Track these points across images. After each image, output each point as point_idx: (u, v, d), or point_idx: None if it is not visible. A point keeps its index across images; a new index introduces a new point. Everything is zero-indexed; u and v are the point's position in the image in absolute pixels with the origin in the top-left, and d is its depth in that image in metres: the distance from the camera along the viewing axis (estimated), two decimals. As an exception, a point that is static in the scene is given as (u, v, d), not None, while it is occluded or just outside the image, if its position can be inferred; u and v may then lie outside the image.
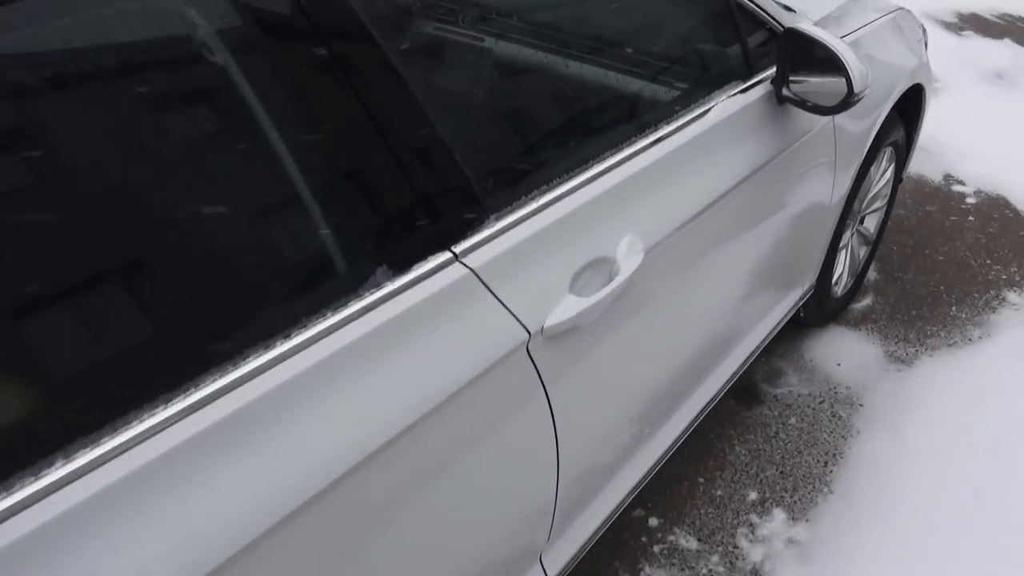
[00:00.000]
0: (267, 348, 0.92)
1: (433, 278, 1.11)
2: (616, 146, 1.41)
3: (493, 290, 1.17)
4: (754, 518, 2.18)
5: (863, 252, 2.89)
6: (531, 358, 1.23)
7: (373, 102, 1.08)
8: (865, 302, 3.00)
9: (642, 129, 1.47)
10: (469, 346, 1.13)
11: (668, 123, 1.53)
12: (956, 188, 3.81)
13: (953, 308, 2.98)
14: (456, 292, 1.13)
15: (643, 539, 2.14)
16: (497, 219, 1.20)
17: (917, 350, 2.76)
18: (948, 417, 2.44)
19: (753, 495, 2.25)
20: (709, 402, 2.00)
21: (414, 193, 1.11)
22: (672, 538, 2.14)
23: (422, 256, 1.11)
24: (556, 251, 1.27)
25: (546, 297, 1.24)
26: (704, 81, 1.68)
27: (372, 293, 1.04)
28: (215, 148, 0.97)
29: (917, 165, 3.87)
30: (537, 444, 1.31)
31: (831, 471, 2.31)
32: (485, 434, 1.18)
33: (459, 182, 1.17)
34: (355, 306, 1.02)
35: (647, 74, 1.59)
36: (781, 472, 2.32)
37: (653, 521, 2.18)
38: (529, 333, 1.20)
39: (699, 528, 2.17)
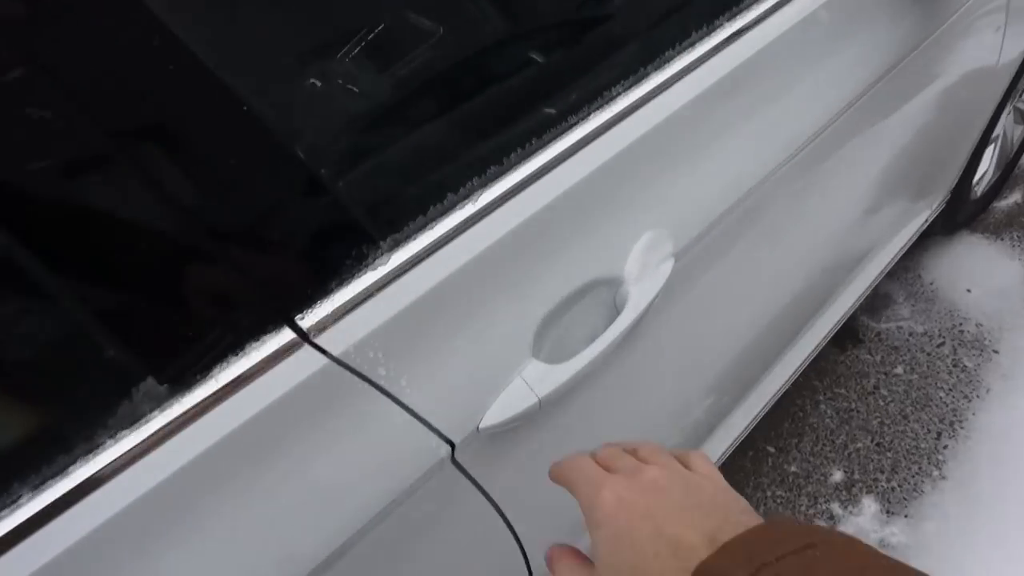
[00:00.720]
0: None
1: (256, 385, 0.61)
2: (628, 77, 0.82)
3: (382, 385, 0.67)
4: (836, 508, 1.71)
5: (1018, 133, 2.16)
6: (460, 468, 0.74)
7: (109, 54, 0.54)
8: (1012, 199, 2.29)
9: (677, 40, 0.86)
10: (331, 498, 0.65)
11: (727, 20, 0.90)
12: None
13: None
14: (307, 402, 0.63)
15: (691, 527, 1.71)
16: (389, 251, 0.67)
17: (1080, 271, 2.09)
18: (1117, 373, 1.83)
19: (838, 475, 1.76)
20: (778, 391, 1.48)
21: (205, 227, 0.59)
22: (728, 528, 1.70)
23: (231, 349, 0.61)
24: (506, 289, 0.74)
25: (484, 379, 0.73)
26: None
27: (129, 432, 0.57)
28: None
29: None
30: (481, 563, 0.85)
31: (945, 447, 1.78)
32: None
33: (301, 186, 0.63)
34: (95, 462, 0.55)
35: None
36: (878, 444, 1.80)
37: (705, 504, 1.74)
38: (452, 444, 0.70)
39: (763, 517, 1.71)
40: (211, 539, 0.60)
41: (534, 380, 0.74)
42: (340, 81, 0.63)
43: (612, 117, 0.79)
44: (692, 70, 0.86)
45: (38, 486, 0.54)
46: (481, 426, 0.72)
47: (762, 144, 0.98)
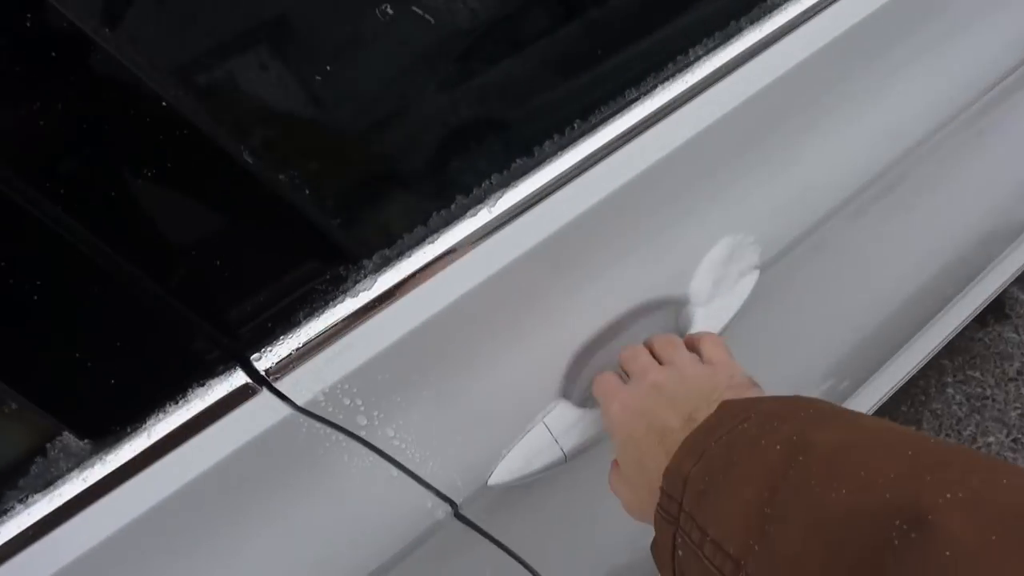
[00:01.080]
0: None
1: (200, 440, 0.50)
2: (710, 35, 0.63)
3: (363, 436, 0.54)
4: (955, 509, 1.50)
5: None
6: (467, 522, 0.62)
7: None
8: None
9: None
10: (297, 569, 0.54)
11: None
12: None
13: None
14: (266, 460, 0.52)
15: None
16: (375, 272, 0.53)
17: None
18: None
19: (961, 471, 1.54)
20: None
21: (134, 240, 0.47)
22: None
23: (168, 397, 0.49)
24: (530, 317, 0.59)
25: (496, 427, 0.59)
26: None
27: (42, 496, 0.47)
28: None
29: None
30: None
31: (1100, 450, 1.52)
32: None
33: (256, 187, 0.50)
34: (1, 532, 0.46)
35: None
36: (1015, 440, 1.56)
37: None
38: (454, 504, 0.58)
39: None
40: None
41: (561, 428, 0.59)
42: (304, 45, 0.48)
43: (684, 92, 0.60)
44: (802, 23, 0.66)
45: (-67, 558, 0.46)
46: (490, 482, 0.59)
47: (907, 113, 0.77)
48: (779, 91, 0.65)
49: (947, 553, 0.29)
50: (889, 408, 1.61)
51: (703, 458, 0.42)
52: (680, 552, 0.41)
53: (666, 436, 0.47)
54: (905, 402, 1.63)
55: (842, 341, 1.02)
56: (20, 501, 0.47)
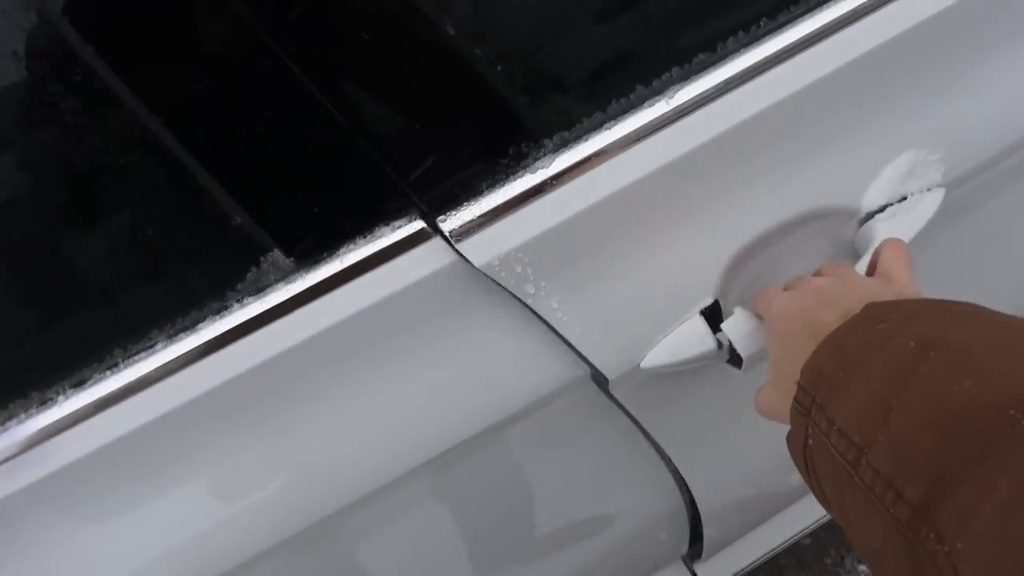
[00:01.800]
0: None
1: (383, 272, 0.57)
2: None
3: (530, 304, 0.59)
4: None
5: None
6: (615, 401, 0.66)
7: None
8: None
9: None
10: (453, 399, 0.61)
11: None
12: None
13: None
14: (439, 301, 0.58)
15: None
16: (554, 152, 0.57)
17: None
18: None
19: None
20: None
21: (349, 110, 0.54)
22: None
23: (359, 232, 0.57)
24: (698, 211, 0.61)
25: (654, 313, 0.62)
26: None
27: (254, 300, 0.56)
28: None
29: None
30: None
31: None
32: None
33: (453, 68, 0.55)
34: (221, 324, 0.56)
35: None
36: None
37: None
38: (606, 379, 0.62)
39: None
40: (327, 412, 0.59)
41: (733, 328, 0.61)
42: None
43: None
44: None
45: (172, 336, 0.55)
46: (643, 365, 0.62)
47: None
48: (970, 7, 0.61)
49: None
50: None
51: (838, 353, 0.43)
52: (810, 441, 0.43)
53: (820, 330, 0.48)
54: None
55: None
56: (237, 301, 0.56)
